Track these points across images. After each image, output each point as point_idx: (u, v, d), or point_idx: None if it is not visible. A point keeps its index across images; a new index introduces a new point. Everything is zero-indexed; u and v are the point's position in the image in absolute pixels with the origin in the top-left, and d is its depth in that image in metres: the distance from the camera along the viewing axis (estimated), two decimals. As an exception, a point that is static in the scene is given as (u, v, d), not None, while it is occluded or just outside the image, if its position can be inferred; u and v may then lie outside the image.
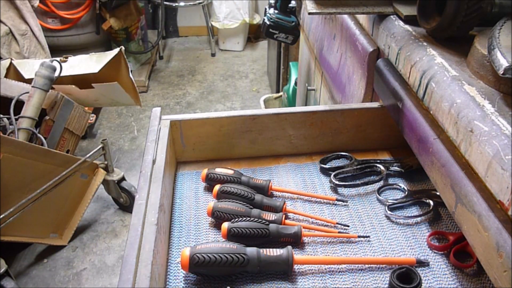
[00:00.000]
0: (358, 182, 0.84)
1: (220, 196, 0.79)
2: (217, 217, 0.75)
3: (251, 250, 0.66)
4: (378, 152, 0.94)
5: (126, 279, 0.54)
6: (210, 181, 0.84)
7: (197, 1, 3.49)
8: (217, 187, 0.80)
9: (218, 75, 3.37)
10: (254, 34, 3.91)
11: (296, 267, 0.68)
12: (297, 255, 0.68)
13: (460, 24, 0.67)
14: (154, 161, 0.75)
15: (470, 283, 0.65)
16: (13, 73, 1.99)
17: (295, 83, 2.07)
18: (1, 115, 1.63)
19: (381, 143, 0.94)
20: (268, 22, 1.44)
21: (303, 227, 0.73)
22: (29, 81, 1.75)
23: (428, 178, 0.66)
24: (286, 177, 0.88)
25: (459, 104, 0.58)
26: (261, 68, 3.45)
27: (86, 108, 1.97)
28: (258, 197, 0.78)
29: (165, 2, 3.37)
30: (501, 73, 0.52)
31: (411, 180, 0.86)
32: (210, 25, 3.57)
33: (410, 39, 0.75)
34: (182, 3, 3.57)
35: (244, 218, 0.72)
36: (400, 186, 0.84)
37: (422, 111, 0.68)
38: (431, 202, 0.78)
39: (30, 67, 1.96)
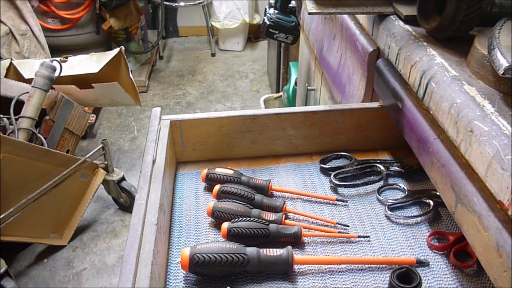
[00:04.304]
0: (358, 182, 0.84)
1: (220, 196, 0.79)
2: (217, 217, 0.75)
3: (251, 250, 0.66)
4: (378, 152, 0.94)
5: (126, 279, 0.54)
6: (210, 181, 0.84)
7: (197, 1, 3.49)
8: (217, 187, 0.80)
9: (218, 75, 3.37)
10: (254, 34, 3.91)
11: (296, 267, 0.68)
12: (297, 255, 0.68)
13: (460, 24, 0.67)
14: (154, 161, 0.75)
15: (470, 283, 0.65)
16: (13, 73, 1.99)
17: (295, 83, 2.07)
18: (1, 115, 1.63)
19: (381, 143, 0.94)
20: (268, 22, 1.44)
21: (303, 227, 0.73)
22: (29, 81, 1.75)
23: (428, 178, 0.66)
24: (286, 177, 0.88)
25: (459, 104, 0.58)
26: (261, 68, 3.45)
27: (86, 108, 1.97)
28: (258, 197, 0.78)
29: (165, 2, 3.37)
30: (501, 73, 0.52)
31: (411, 180, 0.86)
32: (210, 25, 3.57)
33: (410, 39, 0.75)
34: (182, 3, 3.57)
35: (244, 218, 0.72)
36: (400, 186, 0.84)
37: (422, 111, 0.68)
38: (431, 202, 0.78)
39: (30, 67, 1.96)
